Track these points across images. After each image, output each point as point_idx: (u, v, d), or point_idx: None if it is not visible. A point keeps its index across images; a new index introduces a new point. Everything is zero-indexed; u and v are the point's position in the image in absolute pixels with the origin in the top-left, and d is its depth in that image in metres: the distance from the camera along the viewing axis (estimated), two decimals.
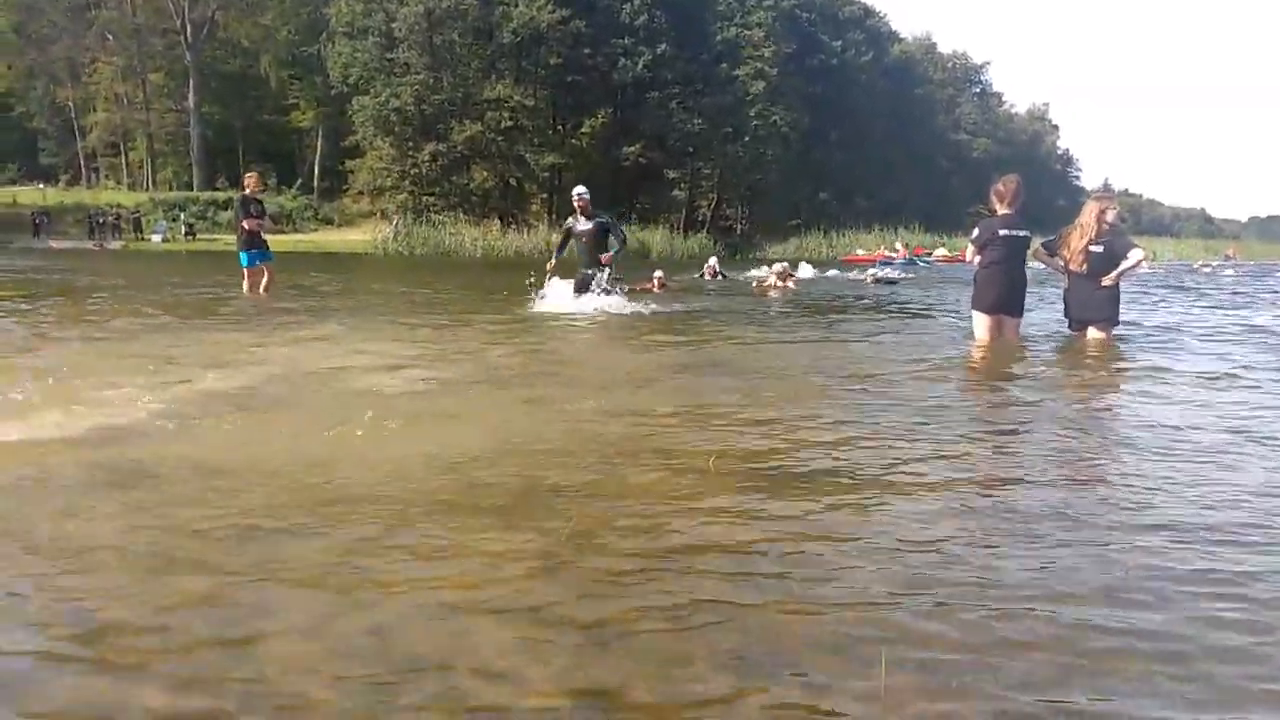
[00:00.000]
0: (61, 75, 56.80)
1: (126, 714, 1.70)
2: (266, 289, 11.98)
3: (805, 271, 22.44)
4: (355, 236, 43.46)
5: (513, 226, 42.85)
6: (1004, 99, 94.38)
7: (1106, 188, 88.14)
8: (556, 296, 10.88)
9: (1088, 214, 7.18)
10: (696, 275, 19.92)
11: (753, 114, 51.91)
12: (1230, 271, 26.46)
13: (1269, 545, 2.63)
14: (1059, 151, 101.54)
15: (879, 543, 2.62)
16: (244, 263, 11.93)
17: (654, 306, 10.96)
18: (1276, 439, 4.00)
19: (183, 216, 44.32)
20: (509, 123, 45.52)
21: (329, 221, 49.13)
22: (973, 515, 2.90)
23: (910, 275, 23.58)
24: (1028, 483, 3.28)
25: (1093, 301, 7.18)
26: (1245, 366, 6.38)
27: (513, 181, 47.24)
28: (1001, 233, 7.21)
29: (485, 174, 46.29)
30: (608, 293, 10.79)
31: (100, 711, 1.71)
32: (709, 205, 56.35)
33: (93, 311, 9.63)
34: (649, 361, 6.58)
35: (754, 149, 52.64)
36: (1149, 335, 8.29)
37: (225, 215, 43.41)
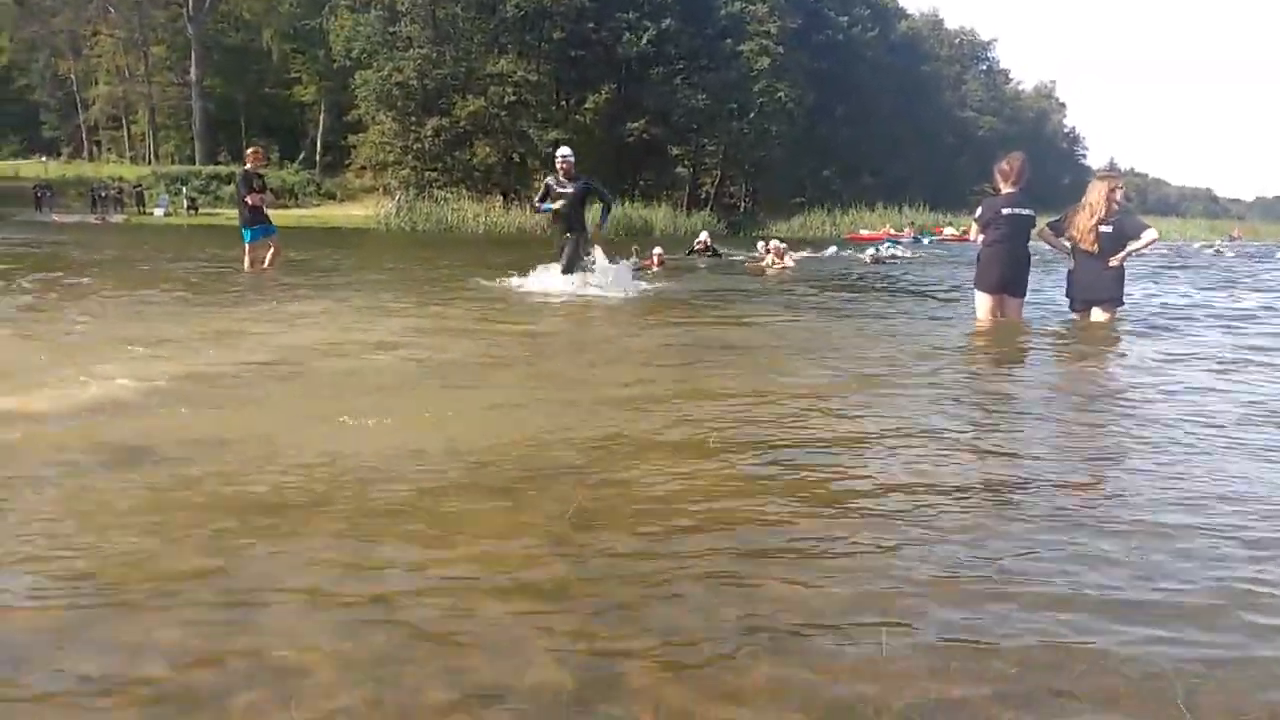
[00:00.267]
0: (63, 48, 56.52)
1: (130, 687, 1.71)
2: (271, 263, 11.98)
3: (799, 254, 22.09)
4: (358, 212, 43.33)
5: (515, 202, 42.63)
6: (1010, 76, 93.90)
7: (1112, 166, 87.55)
8: (544, 276, 10.42)
9: (1096, 193, 7.10)
10: (686, 253, 19.09)
11: (757, 90, 51.51)
12: (1229, 253, 26.31)
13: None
14: (1065, 130, 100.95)
15: (880, 520, 2.63)
16: (246, 238, 11.90)
17: (650, 286, 10.88)
18: None
19: (185, 190, 44.14)
20: (512, 98, 45.21)
21: (331, 196, 48.94)
22: (974, 497, 2.90)
23: (911, 255, 23.29)
24: (1032, 466, 3.29)
25: (1099, 282, 7.13)
26: (1255, 348, 6.38)
27: (516, 157, 46.95)
28: (1005, 211, 7.17)
29: (488, 149, 46.00)
30: (593, 268, 10.21)
31: (104, 685, 1.72)
32: (712, 182, 56.11)
33: (93, 286, 9.62)
34: (649, 342, 6.58)
35: (758, 125, 52.28)
36: (1152, 315, 8.27)
37: (227, 189, 43.21)
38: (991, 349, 6.60)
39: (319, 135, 55.14)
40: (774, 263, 15.85)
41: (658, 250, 15.80)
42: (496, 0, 45.74)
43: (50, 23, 55.01)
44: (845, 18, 61.33)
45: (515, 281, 10.66)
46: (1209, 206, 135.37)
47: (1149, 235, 7.07)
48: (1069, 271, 7.45)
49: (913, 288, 12.42)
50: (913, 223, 44.29)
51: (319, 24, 49.06)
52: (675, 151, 52.83)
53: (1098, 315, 7.20)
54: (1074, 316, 7.45)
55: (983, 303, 7.42)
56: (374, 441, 3.40)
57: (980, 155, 63.03)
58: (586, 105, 48.19)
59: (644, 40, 47.84)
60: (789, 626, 1.99)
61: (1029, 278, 7.48)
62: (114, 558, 2.29)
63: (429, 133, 44.57)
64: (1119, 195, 7.16)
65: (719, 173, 55.89)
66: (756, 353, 5.97)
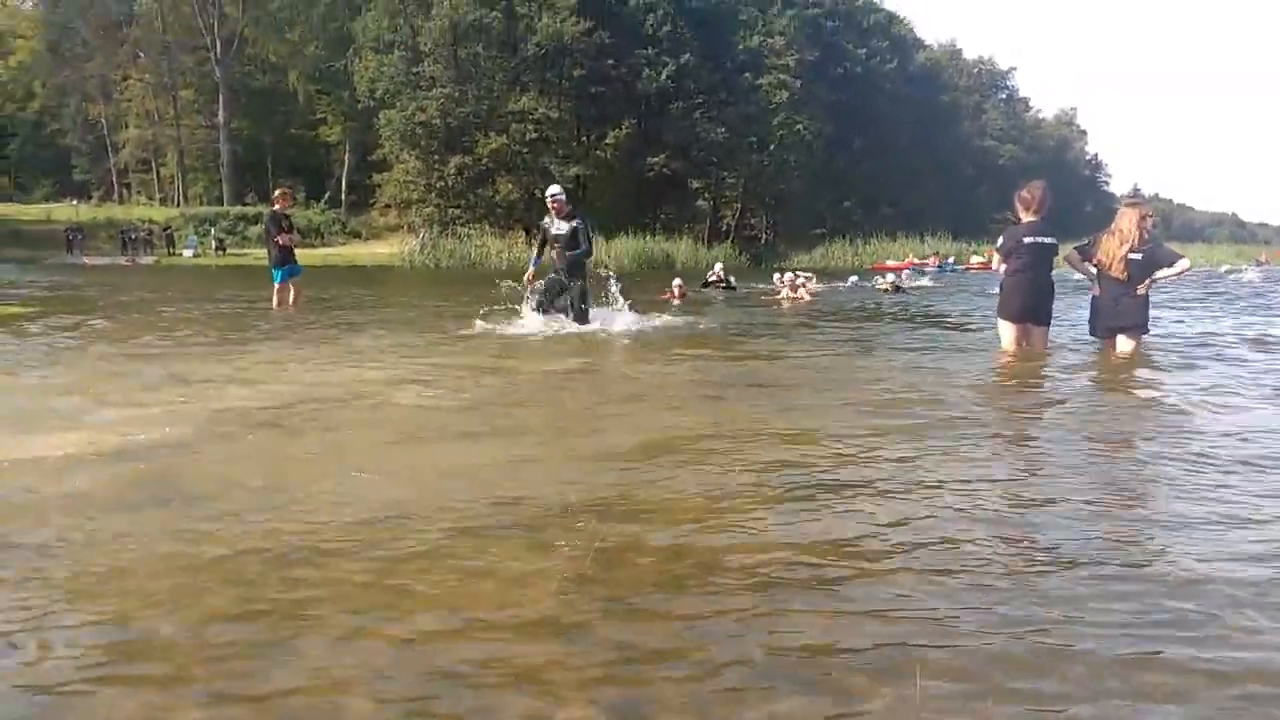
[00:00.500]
0: (94, 93, 57.82)
1: None
2: (295, 303, 12.14)
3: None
4: (382, 250, 43.79)
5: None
6: (1030, 104, 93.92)
7: (1136, 192, 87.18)
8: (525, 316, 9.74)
9: (1127, 221, 7.04)
10: (700, 285, 18.72)
11: (776, 123, 51.89)
12: (1258, 278, 25.97)
13: None
14: (1087, 157, 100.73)
15: (909, 556, 2.60)
16: (276, 279, 12.08)
17: (665, 321, 10.78)
18: None
19: (213, 231, 44.86)
20: (533, 134, 45.78)
21: (356, 235, 49.54)
22: (1003, 530, 2.87)
23: (931, 284, 23.13)
24: (1065, 501, 3.24)
25: (1125, 309, 7.06)
26: None
27: (537, 193, 47.30)
28: (1026, 240, 7.14)
29: (510, 186, 46.51)
30: (583, 312, 9.74)
31: None
32: (733, 215, 56.33)
33: (125, 327, 9.76)
34: (671, 380, 6.58)
35: (778, 158, 52.60)
36: (1179, 345, 8.18)
37: (254, 230, 43.88)
38: (1018, 380, 6.54)
39: (344, 175, 55.90)
40: (789, 295, 15.74)
41: (677, 282, 15.85)
42: (517, 39, 46.46)
43: (82, 69, 56.37)
44: (863, 50, 61.81)
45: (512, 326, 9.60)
46: (1235, 231, 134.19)
47: (1182, 264, 7.00)
48: (1093, 298, 7.39)
49: (934, 317, 12.36)
50: (937, 252, 44.11)
51: (344, 65, 49.96)
52: (695, 185, 53.20)
53: (1123, 343, 7.12)
54: (1097, 344, 7.38)
55: (1007, 331, 7.37)
56: (395, 485, 3.42)
57: (1001, 184, 62.85)
58: (607, 141, 48.66)
59: (663, 76, 48.38)
60: (818, 665, 1.97)
61: (1053, 306, 7.43)
62: (144, 600, 2.30)
63: (452, 170, 45.14)
64: (1149, 224, 7.12)
65: (739, 205, 56.14)
66: (780, 389, 5.94)
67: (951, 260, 41.96)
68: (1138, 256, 6.93)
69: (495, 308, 9.95)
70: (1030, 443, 4.27)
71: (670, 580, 2.42)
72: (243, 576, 2.43)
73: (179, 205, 53.45)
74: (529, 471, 3.56)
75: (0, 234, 40.12)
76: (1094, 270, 7.27)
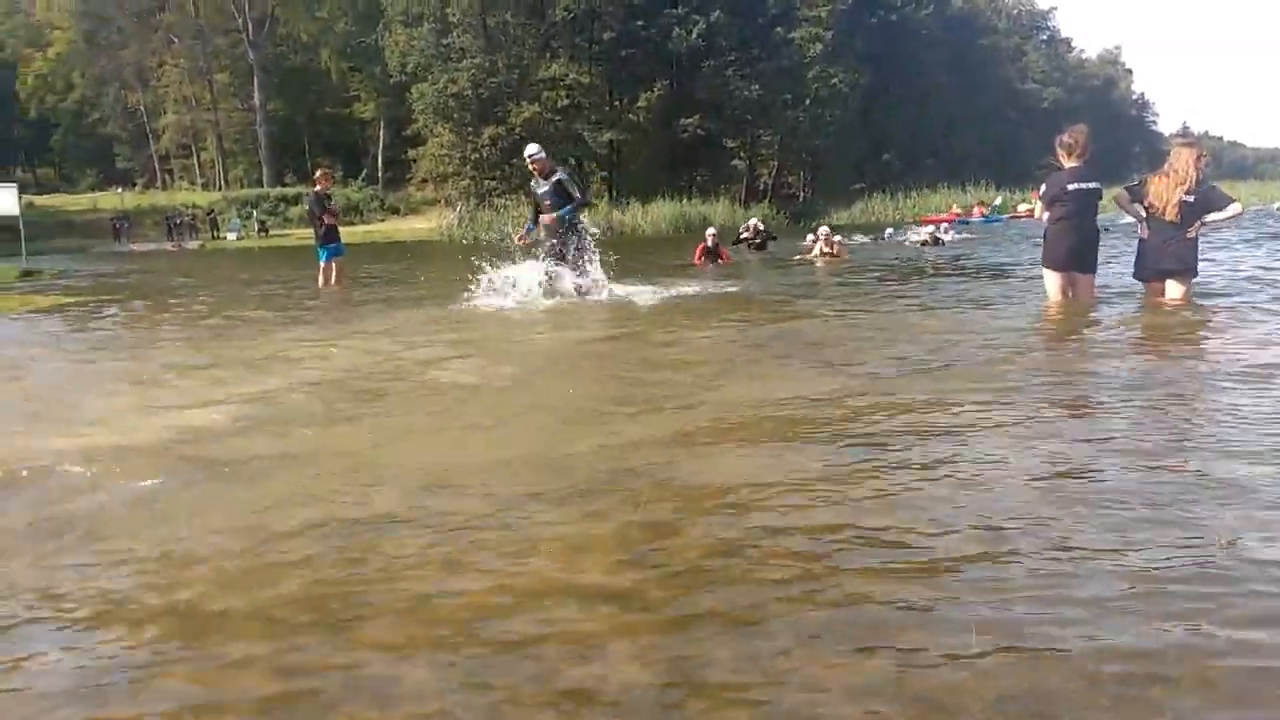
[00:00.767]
0: (131, 80, 58.63)
1: (234, 703, 1.78)
2: (339, 281, 12.37)
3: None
4: (421, 224, 44.09)
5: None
6: (1073, 44, 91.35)
7: (1186, 131, 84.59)
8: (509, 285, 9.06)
9: (1182, 161, 6.81)
10: (733, 242, 17.32)
11: (811, 77, 50.96)
12: None
13: None
14: (1134, 96, 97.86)
15: (961, 518, 2.59)
16: (322, 258, 12.33)
17: (682, 291, 10.28)
18: None
19: (255, 214, 45.45)
20: (565, 101, 45.56)
21: (395, 210, 49.88)
22: (1061, 490, 2.85)
23: (971, 235, 22.57)
24: (1125, 457, 3.20)
25: (1174, 253, 6.88)
26: None
27: (572, 161, 47.29)
28: (1070, 187, 6.97)
29: None
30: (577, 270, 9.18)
31: (209, 700, 1.79)
32: (770, 174, 55.67)
33: (178, 312, 9.95)
34: (705, 344, 6.57)
35: (814, 113, 51.70)
36: (1229, 288, 7.97)
37: (295, 210, 44.47)
38: (1067, 331, 6.44)
39: (379, 151, 56.20)
40: (823, 251, 15.16)
41: (711, 232, 15.34)
42: (545, 4, 46.10)
43: (118, 56, 57.10)
44: None
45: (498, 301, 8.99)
46: None
47: (1233, 208, 6.81)
48: (1140, 241, 7.21)
49: (975, 270, 12.17)
50: (981, 201, 43.14)
51: (374, 40, 50.01)
52: (730, 144, 52.55)
53: (1173, 287, 6.94)
54: (1142, 289, 7.22)
55: (1052, 281, 7.23)
56: (444, 456, 3.48)
57: (1044, 129, 60.74)
58: (639, 104, 48.23)
59: (694, 34, 47.68)
60: (871, 620, 1.98)
61: (1099, 253, 7.28)
62: (207, 577, 2.37)
63: (486, 142, 45.12)
64: (1203, 163, 6.91)
65: (776, 163, 55.45)
66: (822, 347, 5.92)
67: (999, 202, 41.14)
68: (1191, 199, 6.73)
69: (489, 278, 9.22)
70: (1098, 405, 4.22)
71: (722, 546, 2.44)
72: (302, 551, 2.50)
73: (220, 189, 54.20)
74: (577, 442, 3.60)
75: (50, 225, 40.97)
76: (1143, 212, 7.09)
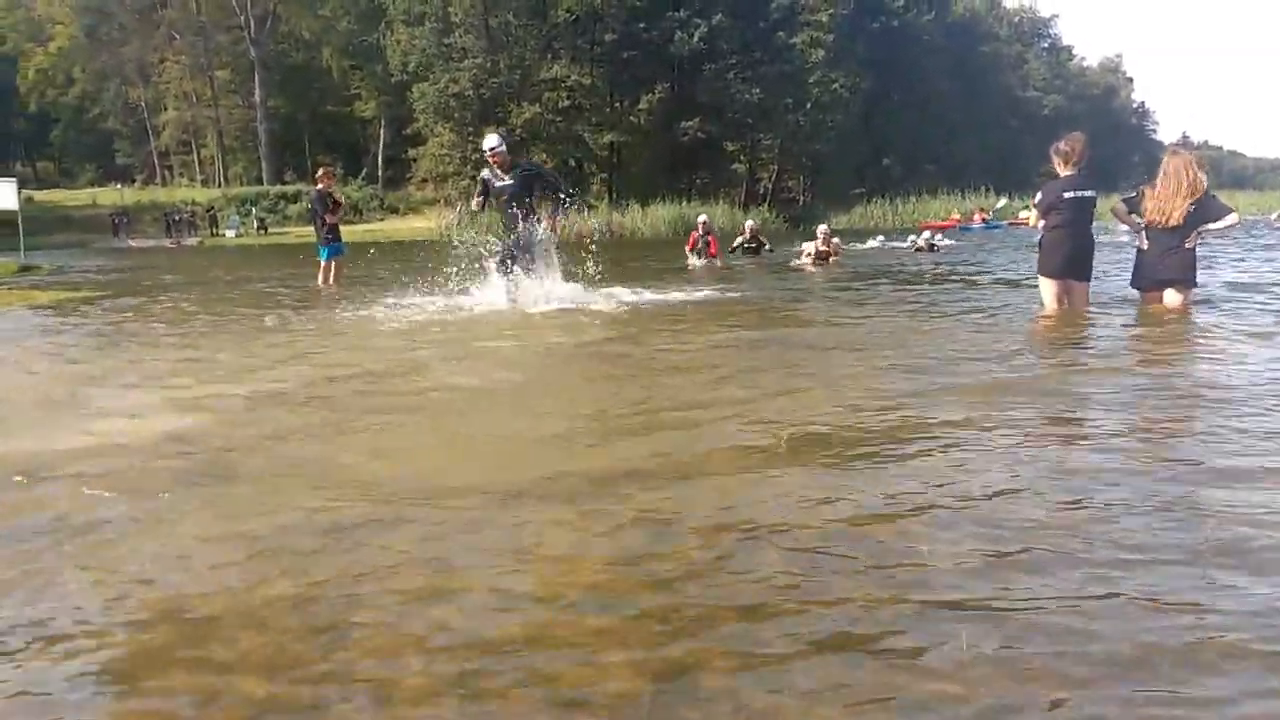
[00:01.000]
0: (132, 76, 58.62)
1: (229, 705, 1.76)
2: (336, 280, 12.37)
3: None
4: (420, 224, 44.06)
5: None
6: (1074, 52, 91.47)
7: (1184, 140, 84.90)
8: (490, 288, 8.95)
9: (1182, 171, 6.81)
10: (730, 249, 17.43)
11: (812, 81, 51.02)
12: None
13: None
14: (1134, 104, 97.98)
15: (955, 522, 2.57)
16: (323, 256, 12.35)
17: (665, 295, 10.53)
18: None
19: (254, 211, 45.43)
20: (566, 103, 45.64)
21: (394, 210, 49.87)
22: (1058, 498, 2.84)
23: (964, 242, 22.50)
24: (1120, 468, 3.20)
25: (1172, 263, 6.89)
26: None
27: (572, 162, 47.34)
28: (1066, 195, 6.97)
29: (544, 156, 46.44)
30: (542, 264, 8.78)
31: (204, 703, 1.77)
32: (770, 177, 55.72)
33: (173, 311, 9.92)
34: (700, 349, 6.56)
35: (814, 117, 51.76)
36: (1227, 297, 7.97)
37: (294, 208, 44.49)
38: (1062, 340, 6.42)
39: (380, 150, 56.20)
40: (819, 250, 15.24)
41: (701, 220, 15.43)
42: (548, 5, 46.15)
43: (119, 52, 57.09)
44: (899, 2, 60.40)
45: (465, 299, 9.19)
46: None
47: (1231, 219, 6.82)
48: (1138, 251, 7.21)
49: (969, 277, 12.15)
50: (981, 208, 43.10)
51: (376, 39, 50.04)
52: (731, 148, 52.62)
53: (1171, 297, 6.93)
54: (1139, 299, 7.21)
55: (1048, 289, 7.23)
56: (440, 460, 3.46)
57: (1045, 136, 60.02)
58: (640, 106, 48.31)
59: (695, 37, 47.74)
60: (868, 628, 1.97)
61: (1094, 262, 7.28)
62: (200, 580, 2.35)
63: None
64: (1201, 173, 6.91)
65: (776, 167, 55.53)
66: (818, 356, 5.90)
67: (1002, 205, 41.08)
68: (1192, 208, 6.74)
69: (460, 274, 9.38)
70: (1091, 409, 4.21)
71: (716, 549, 2.42)
72: (293, 553, 2.47)
73: (220, 186, 54.19)
74: (570, 444, 3.59)
75: (49, 220, 40.96)
76: (1140, 223, 7.08)
